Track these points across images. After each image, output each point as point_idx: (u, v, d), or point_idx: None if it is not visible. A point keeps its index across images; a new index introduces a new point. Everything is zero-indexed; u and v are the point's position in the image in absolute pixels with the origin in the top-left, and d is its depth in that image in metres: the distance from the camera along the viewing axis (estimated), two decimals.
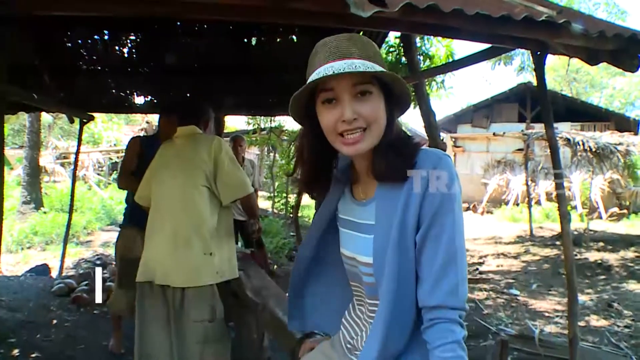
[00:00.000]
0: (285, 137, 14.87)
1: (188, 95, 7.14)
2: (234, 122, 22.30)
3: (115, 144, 23.60)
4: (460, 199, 1.25)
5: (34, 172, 14.05)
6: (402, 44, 6.75)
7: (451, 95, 10.99)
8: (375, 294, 1.32)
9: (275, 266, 8.28)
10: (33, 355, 4.44)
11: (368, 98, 1.23)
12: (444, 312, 1.18)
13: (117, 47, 6.36)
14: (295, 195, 11.50)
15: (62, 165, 20.58)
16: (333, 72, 1.17)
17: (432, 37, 8.77)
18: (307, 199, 12.53)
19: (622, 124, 19.86)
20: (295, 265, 1.59)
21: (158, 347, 2.94)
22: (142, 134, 18.31)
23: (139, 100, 7.34)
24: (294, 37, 6.27)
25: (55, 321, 5.30)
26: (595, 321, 6.05)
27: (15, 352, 4.49)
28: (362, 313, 1.44)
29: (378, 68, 1.21)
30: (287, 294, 1.69)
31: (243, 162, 6.56)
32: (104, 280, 6.27)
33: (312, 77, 1.23)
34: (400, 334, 1.25)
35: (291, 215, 10.58)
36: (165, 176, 3.12)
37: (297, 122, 1.41)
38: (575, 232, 12.05)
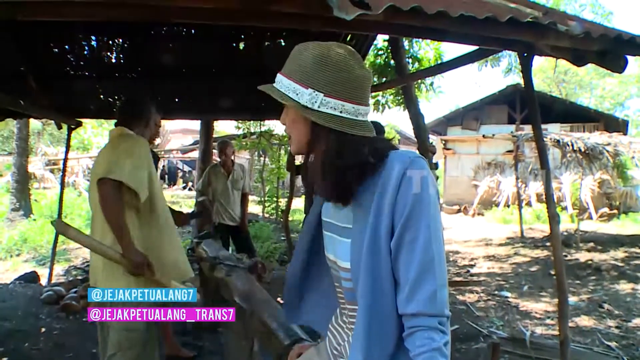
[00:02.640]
0: (276, 142, 14.84)
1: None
2: (224, 127, 22.26)
3: None
4: (436, 201, 1.23)
5: (23, 179, 13.95)
6: (390, 47, 6.75)
7: (440, 94, 10.98)
8: (354, 299, 1.31)
9: (266, 272, 8.24)
10: None
11: (286, 110, 1.35)
12: (423, 319, 1.16)
13: (104, 53, 6.33)
14: (285, 199, 11.48)
15: (52, 171, 20.47)
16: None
17: (420, 40, 8.79)
18: (297, 203, 12.52)
19: (611, 124, 19.99)
20: (290, 268, 1.58)
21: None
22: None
23: None
24: (282, 41, 6.27)
25: (44, 329, 5.25)
26: (586, 322, 6.06)
27: None
28: (346, 318, 1.43)
29: (284, 82, 1.28)
30: (276, 300, 1.68)
31: (233, 166, 6.54)
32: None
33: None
34: (383, 340, 1.22)
35: (282, 219, 10.55)
36: (91, 180, 3.14)
37: None
38: (566, 233, 12.09)
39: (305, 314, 1.60)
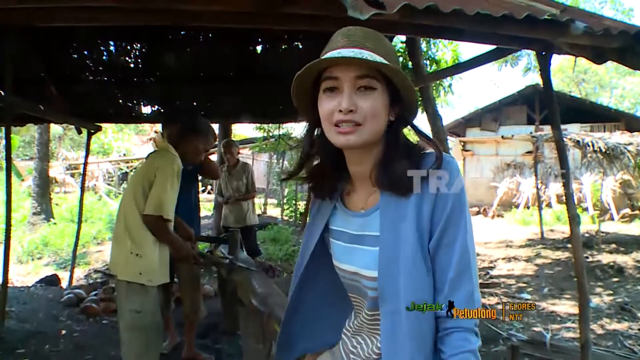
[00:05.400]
0: (294, 144, 14.85)
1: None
2: (243, 130, 22.34)
3: (125, 154, 23.71)
4: (467, 202, 1.23)
5: (44, 183, 14.11)
6: (407, 48, 6.73)
7: (458, 95, 10.93)
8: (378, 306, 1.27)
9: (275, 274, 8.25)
10: None
11: (370, 93, 1.19)
12: (460, 321, 1.15)
13: (122, 57, 6.39)
14: (304, 202, 11.49)
15: (72, 175, 20.69)
16: (340, 56, 1.15)
17: (437, 41, 8.74)
18: None
19: (632, 124, 19.64)
20: (291, 286, 1.52)
21: None
22: (150, 143, 18.42)
23: (146, 109, 7.35)
24: (299, 43, 6.28)
25: (64, 331, 5.30)
26: (608, 325, 5.97)
27: None
28: (363, 323, 1.39)
29: (386, 62, 1.17)
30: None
31: (236, 165, 6.59)
32: (113, 290, 6.27)
33: (319, 59, 1.20)
34: (426, 344, 1.19)
35: (300, 222, 10.56)
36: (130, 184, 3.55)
37: (302, 113, 1.37)
38: (587, 234, 11.93)
39: (300, 339, 1.56)
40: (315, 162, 1.42)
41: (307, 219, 5.58)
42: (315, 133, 1.35)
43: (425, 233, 1.19)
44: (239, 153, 7.01)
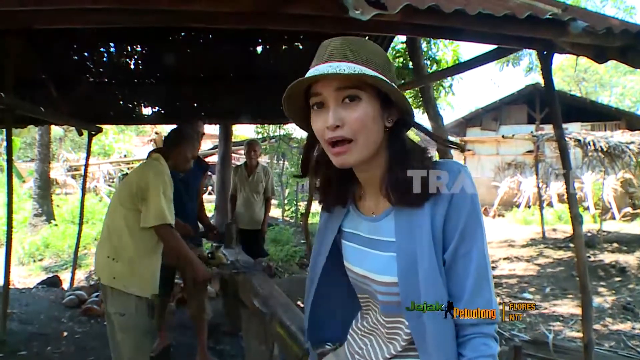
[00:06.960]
0: (295, 145, 14.86)
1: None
2: (243, 131, 22.33)
3: (125, 155, 23.70)
4: (480, 209, 1.22)
5: (45, 185, 14.09)
6: (407, 49, 6.72)
7: (458, 95, 10.93)
8: (394, 312, 1.27)
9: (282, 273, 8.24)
10: None
11: (356, 104, 1.16)
12: (481, 327, 1.16)
13: (123, 59, 6.38)
14: (305, 202, 11.48)
15: (73, 177, 20.68)
16: (314, 74, 1.14)
17: (438, 41, 8.72)
18: (316, 207, 12.51)
19: (633, 122, 19.62)
20: (307, 281, 1.52)
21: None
22: (151, 144, 18.42)
23: (147, 111, 7.35)
24: (299, 44, 6.27)
25: (65, 333, 5.30)
26: (612, 325, 5.95)
27: None
28: (377, 327, 1.38)
29: (367, 71, 1.13)
30: (295, 303, 1.64)
31: (256, 167, 6.52)
32: None
33: (296, 81, 1.18)
34: (450, 348, 1.18)
35: (301, 223, 10.53)
36: (118, 193, 3.59)
37: (297, 125, 1.35)
38: (589, 234, 11.91)
39: (321, 329, 1.57)
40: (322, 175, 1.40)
41: (308, 219, 5.54)
42: (317, 149, 1.34)
43: (439, 243, 1.18)
44: (260, 155, 6.98)
